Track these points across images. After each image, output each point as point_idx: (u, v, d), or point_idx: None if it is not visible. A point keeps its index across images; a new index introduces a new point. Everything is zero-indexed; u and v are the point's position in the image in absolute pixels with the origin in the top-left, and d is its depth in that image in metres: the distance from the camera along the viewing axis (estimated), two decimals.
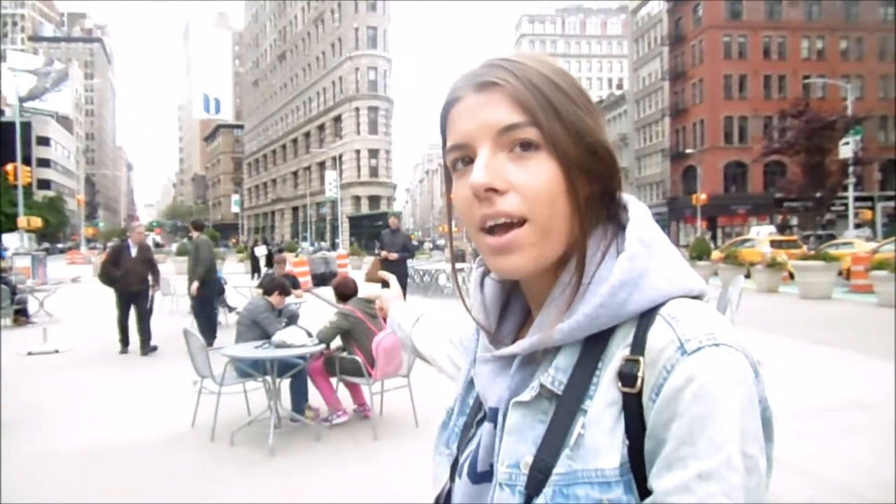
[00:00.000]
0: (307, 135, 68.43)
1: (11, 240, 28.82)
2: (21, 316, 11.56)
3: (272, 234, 74.83)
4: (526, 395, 0.63)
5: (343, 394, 5.17)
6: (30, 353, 8.23)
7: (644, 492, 0.56)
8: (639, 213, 0.66)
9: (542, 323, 0.65)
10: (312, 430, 4.76)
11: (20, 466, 4.26)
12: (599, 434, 0.58)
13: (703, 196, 42.41)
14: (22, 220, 28.82)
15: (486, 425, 0.69)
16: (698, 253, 18.94)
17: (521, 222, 0.62)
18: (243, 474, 4.03)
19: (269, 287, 5.58)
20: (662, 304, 0.60)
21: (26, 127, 50.36)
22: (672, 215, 57.19)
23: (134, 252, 8.23)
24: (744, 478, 0.51)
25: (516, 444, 0.63)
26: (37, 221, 31.68)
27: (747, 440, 0.52)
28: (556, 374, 0.62)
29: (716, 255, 18.42)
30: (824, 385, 5.91)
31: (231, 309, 11.03)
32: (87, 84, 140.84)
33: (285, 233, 70.72)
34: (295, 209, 71.20)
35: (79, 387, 6.48)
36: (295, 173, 71.78)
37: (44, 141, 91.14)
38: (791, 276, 14.79)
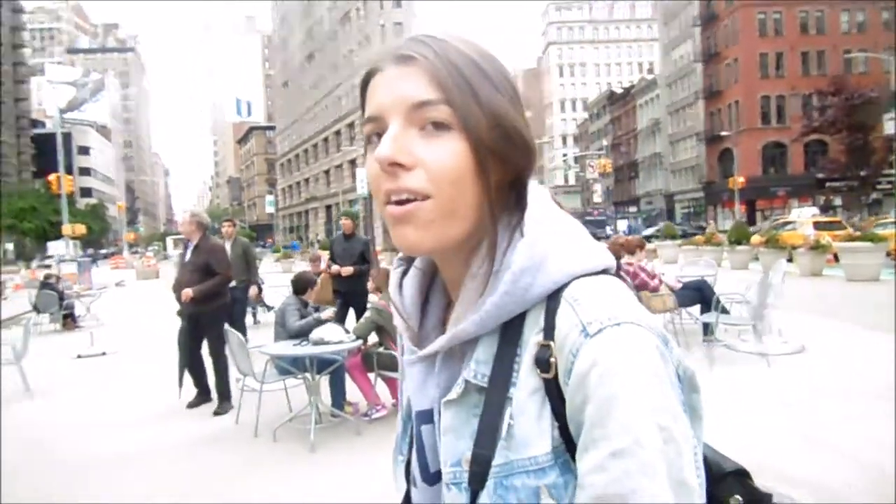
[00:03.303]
0: (338, 133, 68.97)
1: (57, 247, 29.80)
2: (70, 320, 11.94)
3: (307, 232, 75.76)
4: (453, 393, 0.63)
5: (381, 389, 5.20)
6: (79, 356, 8.49)
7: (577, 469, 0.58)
8: (536, 196, 0.66)
9: (459, 315, 0.64)
10: (352, 425, 4.81)
11: (72, 466, 4.40)
12: (527, 423, 0.58)
13: (741, 179, 41.41)
14: (66, 228, 29.70)
15: (425, 428, 0.69)
16: (737, 237, 18.50)
17: (424, 199, 0.60)
18: (286, 469, 4.09)
19: (298, 285, 5.64)
20: (567, 284, 0.61)
21: (67, 137, 51.81)
22: (709, 200, 56.05)
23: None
24: (661, 450, 0.52)
25: (455, 442, 0.63)
26: (81, 229, 32.64)
27: (658, 413, 0.53)
28: (477, 368, 0.62)
29: (755, 239, 17.97)
30: (871, 369, 5.72)
31: (269, 308, 11.21)
32: (122, 93, 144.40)
33: (319, 231, 71.48)
34: (328, 207, 71.89)
35: (126, 388, 6.65)
36: (327, 172, 72.46)
37: (84, 150, 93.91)
38: (836, 258, 14.34)
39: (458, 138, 0.60)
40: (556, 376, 0.57)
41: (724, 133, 49.01)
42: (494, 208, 0.62)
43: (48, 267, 24.00)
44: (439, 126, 0.60)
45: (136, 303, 15.51)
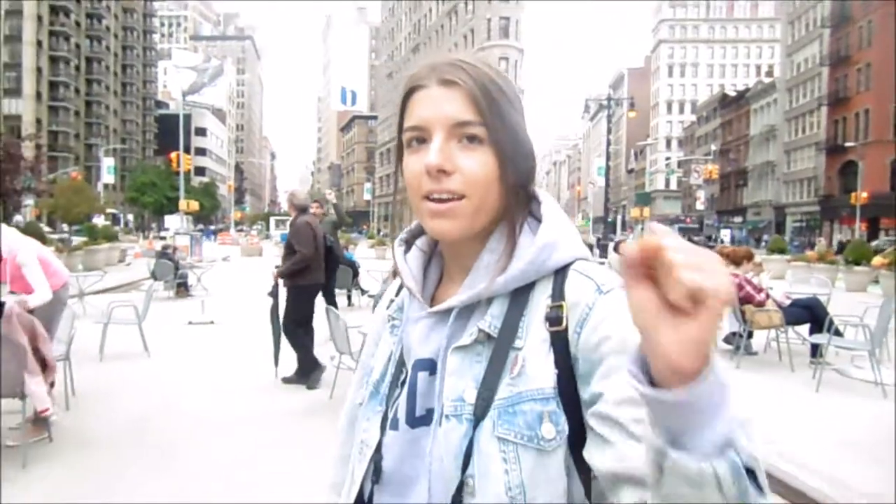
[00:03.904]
0: None
1: (173, 221, 32.04)
2: (182, 289, 12.84)
3: (401, 222, 77.22)
4: (466, 340, 0.77)
5: None
6: (190, 323, 9.13)
7: (569, 408, 0.71)
8: (549, 197, 0.84)
9: (475, 280, 0.80)
10: None
11: (190, 420, 4.76)
12: (536, 364, 0.73)
13: (864, 195, 38.39)
14: (182, 204, 31.92)
15: (421, 374, 0.81)
16: (855, 257, 17.17)
17: (460, 198, 0.76)
18: None
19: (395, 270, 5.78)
20: (570, 263, 0.79)
21: (187, 119, 55.43)
22: (825, 214, 52.31)
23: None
24: None
25: (458, 382, 0.76)
26: (194, 205, 34.98)
27: None
28: (491, 321, 0.77)
29: (877, 260, 16.60)
30: None
31: (364, 292, 11.59)
32: (238, 79, 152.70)
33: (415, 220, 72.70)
34: None
35: (232, 356, 7.10)
36: None
37: (201, 131, 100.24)
38: None
39: (487, 151, 0.76)
40: (565, 329, 0.74)
41: (848, 144, 45.53)
42: (513, 204, 0.80)
43: (164, 238, 25.83)
44: (472, 139, 0.76)
45: (241, 277, 16.42)
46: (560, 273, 0.78)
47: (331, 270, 6.27)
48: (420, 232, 0.93)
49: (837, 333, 6.37)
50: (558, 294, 0.77)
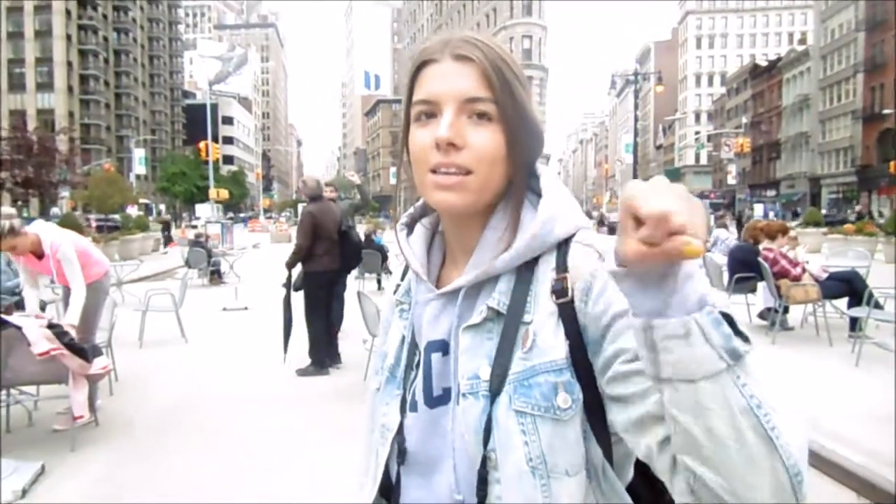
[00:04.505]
0: None
1: (204, 209, 32.48)
2: (215, 276, 13.08)
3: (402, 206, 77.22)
4: (476, 318, 0.79)
5: None
6: (224, 309, 9.31)
7: (582, 377, 0.73)
8: (547, 171, 0.84)
9: (480, 259, 0.81)
10: None
11: (226, 402, 4.88)
12: (547, 336, 0.75)
13: None
14: (212, 192, 32.32)
15: (434, 356, 0.82)
16: (895, 228, 16.69)
17: (467, 173, 0.76)
18: None
19: None
20: (572, 235, 0.79)
21: (213, 108, 55.99)
22: (862, 185, 50.85)
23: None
24: None
25: (471, 360, 0.77)
26: (224, 193, 35.37)
27: None
28: (499, 298, 0.78)
29: None
30: None
31: (391, 274, 11.65)
32: (263, 66, 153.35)
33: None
34: None
35: (266, 340, 7.22)
36: None
37: (228, 120, 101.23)
38: None
39: (496, 128, 0.77)
40: (571, 299, 0.75)
41: (886, 111, 44.00)
42: (518, 182, 0.81)
43: (195, 227, 26.25)
44: (482, 116, 0.77)
45: (271, 264, 16.63)
46: (563, 245, 0.79)
47: (346, 256, 6.11)
48: (421, 214, 0.93)
49: (878, 306, 6.22)
50: (562, 266, 0.77)
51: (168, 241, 23.85)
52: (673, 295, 0.58)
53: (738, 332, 0.58)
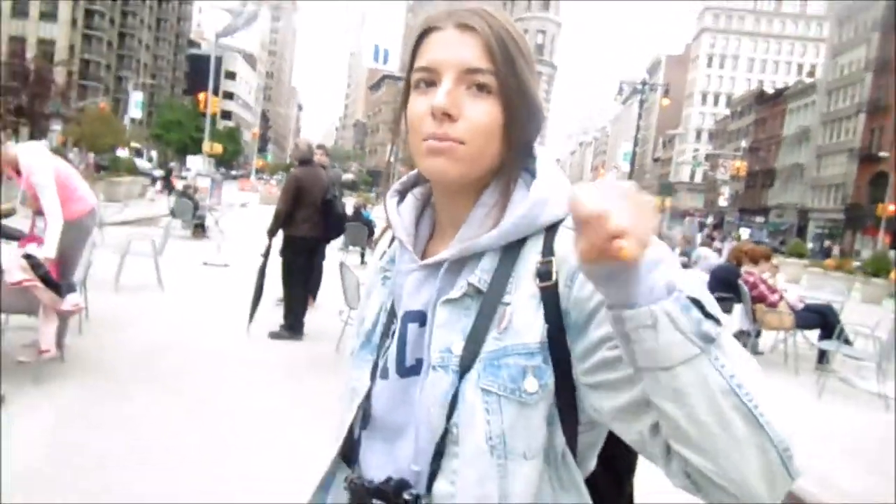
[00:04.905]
0: None
1: (195, 162, 32.10)
2: (199, 229, 12.98)
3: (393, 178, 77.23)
4: (455, 293, 0.78)
5: None
6: (205, 264, 9.25)
7: (557, 363, 0.73)
8: (545, 153, 0.83)
9: (466, 234, 0.79)
10: None
11: (193, 360, 4.87)
12: (523, 319, 0.74)
13: (892, 207, 37.63)
14: (206, 145, 31.88)
15: (411, 326, 0.82)
16: (876, 269, 16.97)
17: (460, 144, 0.75)
18: None
19: None
20: (562, 220, 0.77)
21: (218, 61, 55.07)
22: (849, 224, 51.47)
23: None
24: None
25: (447, 334, 0.77)
26: (218, 148, 34.89)
27: None
28: (481, 275, 0.77)
29: None
30: None
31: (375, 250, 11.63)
32: (273, 26, 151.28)
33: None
34: None
35: (243, 299, 7.17)
36: None
37: (230, 75, 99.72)
38: None
39: (494, 102, 0.75)
40: (555, 284, 0.73)
41: (882, 154, 44.50)
42: (512, 159, 0.79)
43: (184, 178, 25.97)
44: (482, 88, 0.75)
45: (258, 224, 16.53)
46: (551, 229, 0.78)
47: (328, 225, 6.00)
48: (413, 184, 0.92)
49: (847, 342, 6.34)
50: (548, 250, 0.76)
51: (169, 188, 23.52)
52: (637, 285, 0.59)
53: (708, 315, 0.58)
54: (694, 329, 0.57)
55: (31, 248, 4.04)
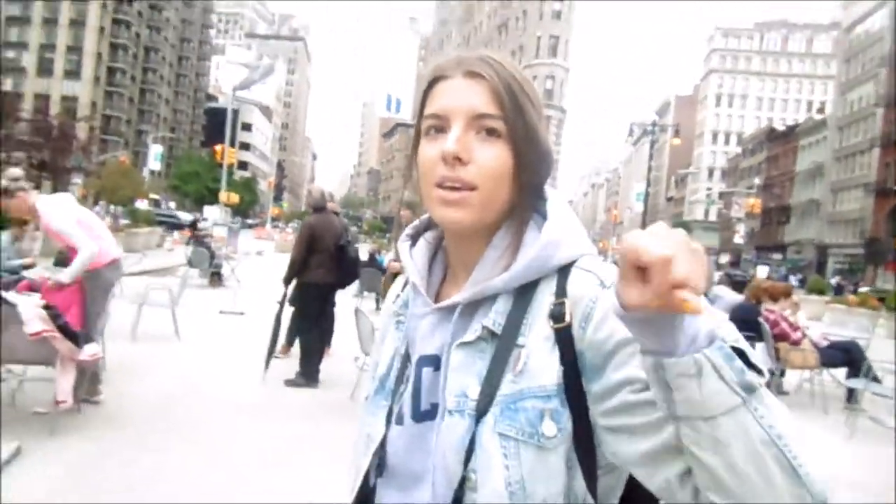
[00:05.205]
0: None
1: (212, 211, 32.61)
2: (216, 278, 13.07)
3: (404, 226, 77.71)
4: (470, 336, 0.78)
5: None
6: (221, 312, 9.28)
7: (574, 405, 0.72)
8: (556, 195, 0.84)
9: (479, 277, 0.80)
10: None
11: (210, 409, 4.83)
12: (539, 361, 0.74)
13: None
14: (223, 195, 32.46)
15: (426, 370, 0.81)
16: None
17: (471, 189, 0.76)
18: None
19: None
20: (574, 261, 0.78)
21: (234, 113, 56.46)
22: (869, 258, 50.74)
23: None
24: None
25: (462, 378, 0.76)
26: (234, 198, 35.52)
27: None
28: (495, 318, 0.77)
29: None
30: None
31: None
32: (288, 78, 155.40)
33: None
34: None
35: (259, 347, 7.17)
36: None
37: (247, 127, 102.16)
38: None
39: (504, 146, 0.77)
40: (568, 325, 0.73)
41: None
42: (523, 202, 0.80)
43: (200, 229, 26.31)
44: (491, 132, 0.77)
45: (273, 272, 16.63)
46: (564, 270, 0.78)
47: (342, 271, 5.97)
48: (425, 228, 0.93)
49: (875, 380, 6.16)
50: (561, 291, 0.76)
51: (193, 237, 23.81)
52: (680, 334, 0.58)
53: (750, 365, 0.58)
54: (738, 379, 0.57)
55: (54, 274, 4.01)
